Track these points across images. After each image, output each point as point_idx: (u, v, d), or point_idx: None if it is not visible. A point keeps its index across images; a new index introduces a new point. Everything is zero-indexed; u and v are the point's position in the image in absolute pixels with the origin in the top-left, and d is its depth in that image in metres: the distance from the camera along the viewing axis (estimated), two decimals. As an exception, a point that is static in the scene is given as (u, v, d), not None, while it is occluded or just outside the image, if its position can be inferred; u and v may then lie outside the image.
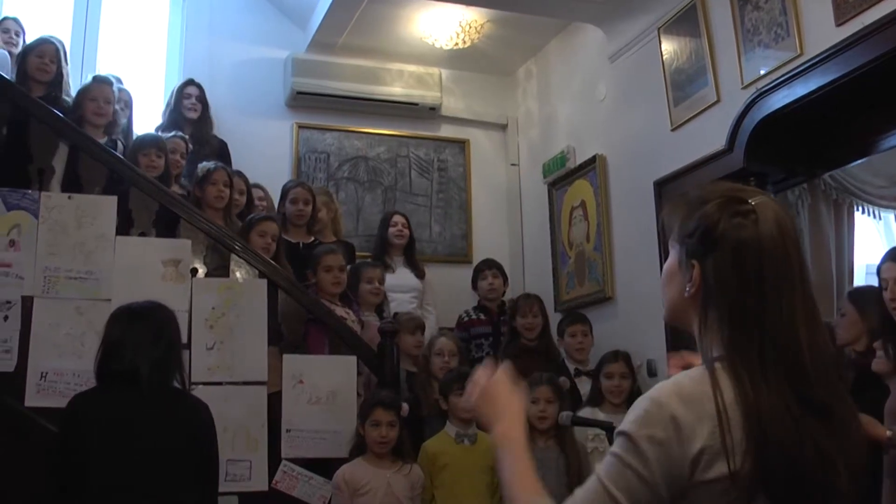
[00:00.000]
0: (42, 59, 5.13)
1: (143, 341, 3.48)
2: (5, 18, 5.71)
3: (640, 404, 1.51)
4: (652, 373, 5.29)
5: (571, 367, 5.40)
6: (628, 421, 1.49)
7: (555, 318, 6.01)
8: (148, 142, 5.18)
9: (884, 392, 3.64)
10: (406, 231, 6.11)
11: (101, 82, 5.16)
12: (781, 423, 1.43)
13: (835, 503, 1.48)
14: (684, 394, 1.47)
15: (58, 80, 5.21)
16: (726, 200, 1.58)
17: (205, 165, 5.22)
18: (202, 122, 6.03)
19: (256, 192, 5.84)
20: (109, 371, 3.45)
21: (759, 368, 1.47)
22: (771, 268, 1.52)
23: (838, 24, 4.21)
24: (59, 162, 4.69)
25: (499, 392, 1.83)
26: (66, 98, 5.20)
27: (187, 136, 5.66)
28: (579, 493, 1.51)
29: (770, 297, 1.51)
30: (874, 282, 5.61)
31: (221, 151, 5.98)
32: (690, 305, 1.61)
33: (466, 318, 5.93)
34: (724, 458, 1.42)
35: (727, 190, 1.62)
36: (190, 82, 6.08)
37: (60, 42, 5.38)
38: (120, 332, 3.50)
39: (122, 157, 4.92)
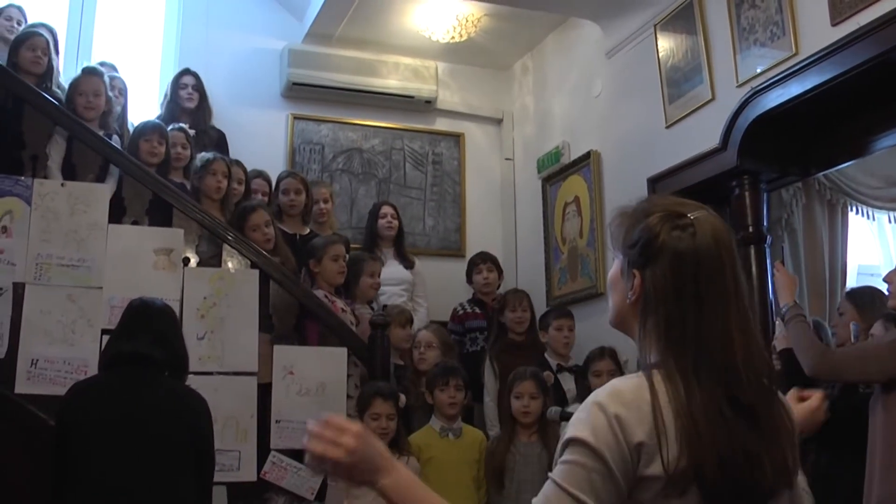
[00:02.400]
0: (35, 52, 5.06)
1: (165, 331, 3.55)
2: (8, 6, 5.67)
3: (583, 412, 1.57)
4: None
5: (553, 362, 5.33)
6: (576, 428, 1.55)
7: (546, 314, 6.01)
8: (150, 128, 5.17)
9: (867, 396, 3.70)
10: (395, 222, 6.11)
11: (90, 74, 5.10)
12: (713, 424, 1.50)
13: (762, 499, 1.56)
14: (623, 398, 1.54)
15: (49, 71, 5.16)
16: (667, 214, 1.66)
17: (203, 156, 5.21)
18: (200, 111, 6.01)
19: (260, 183, 5.83)
20: (117, 353, 3.46)
21: (693, 373, 1.55)
22: (707, 278, 1.60)
23: (834, 24, 4.20)
24: (58, 148, 4.69)
25: (369, 444, 1.62)
26: (57, 90, 5.15)
27: (186, 126, 5.64)
28: (538, 502, 1.54)
29: (706, 306, 1.59)
30: (867, 282, 5.66)
31: (220, 142, 5.97)
32: (631, 312, 1.70)
33: (462, 312, 5.92)
34: (659, 455, 1.49)
35: (669, 204, 1.70)
36: (186, 72, 6.06)
37: (52, 31, 5.33)
38: (140, 320, 3.54)
39: (115, 145, 4.92)
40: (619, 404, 1.53)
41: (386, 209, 6.15)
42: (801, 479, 1.86)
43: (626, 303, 1.69)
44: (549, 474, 1.56)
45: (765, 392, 1.59)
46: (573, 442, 1.54)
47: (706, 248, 1.61)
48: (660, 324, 1.60)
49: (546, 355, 5.41)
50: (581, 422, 1.55)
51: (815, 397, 2.20)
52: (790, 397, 2.10)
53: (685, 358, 1.56)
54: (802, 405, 2.15)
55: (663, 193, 4.71)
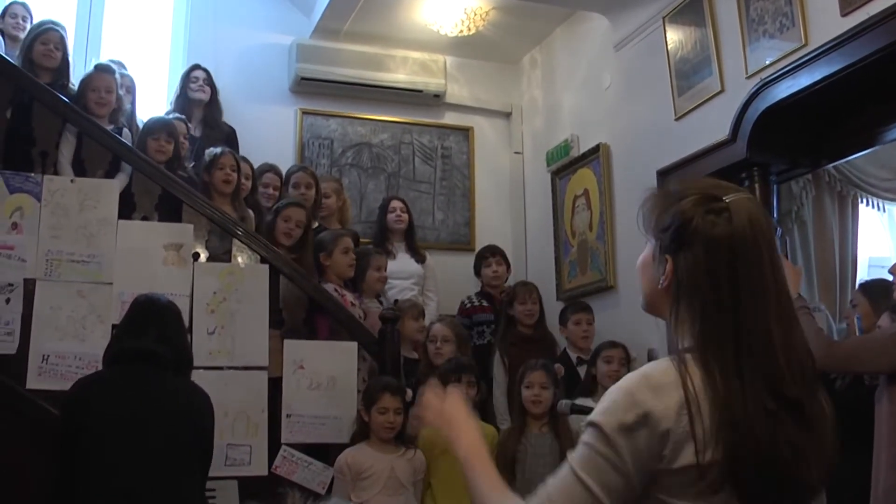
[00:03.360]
0: (47, 45, 5.11)
1: (170, 328, 3.57)
2: (13, 3, 5.69)
3: (609, 395, 1.53)
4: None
5: (573, 355, 5.40)
6: (598, 411, 1.52)
7: (556, 307, 6.02)
8: (158, 126, 5.16)
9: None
10: (405, 216, 6.12)
11: (102, 71, 5.13)
12: (756, 420, 1.45)
13: (806, 497, 1.52)
14: (653, 383, 1.50)
15: (64, 67, 5.20)
16: (702, 197, 1.60)
17: (211, 151, 5.24)
18: (212, 105, 6.03)
19: (272, 177, 5.84)
20: (122, 350, 3.47)
21: (734, 364, 1.48)
22: (743, 266, 1.54)
23: (843, 15, 4.18)
24: (68, 145, 4.70)
25: (455, 411, 1.86)
26: (72, 86, 5.20)
27: (185, 118, 5.66)
28: (552, 481, 1.54)
29: (742, 295, 1.52)
30: (878, 274, 5.65)
31: (230, 138, 5.98)
32: (664, 297, 1.64)
33: (469, 305, 5.93)
34: (691, 446, 1.44)
35: (704, 187, 1.64)
36: (196, 67, 6.08)
37: (63, 27, 5.36)
38: (145, 316, 3.56)
39: (126, 142, 4.93)
40: (647, 390, 1.49)
41: (395, 203, 6.16)
42: None
43: (657, 287, 1.65)
44: (568, 453, 1.55)
45: (808, 385, 1.53)
46: (592, 425, 1.51)
47: (742, 233, 1.55)
48: (695, 311, 1.55)
49: (566, 349, 5.44)
50: (604, 405, 1.52)
51: None
52: None
53: (723, 349, 1.50)
54: None
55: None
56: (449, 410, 1.86)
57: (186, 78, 6.02)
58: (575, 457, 1.52)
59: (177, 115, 5.61)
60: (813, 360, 1.57)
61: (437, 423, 1.87)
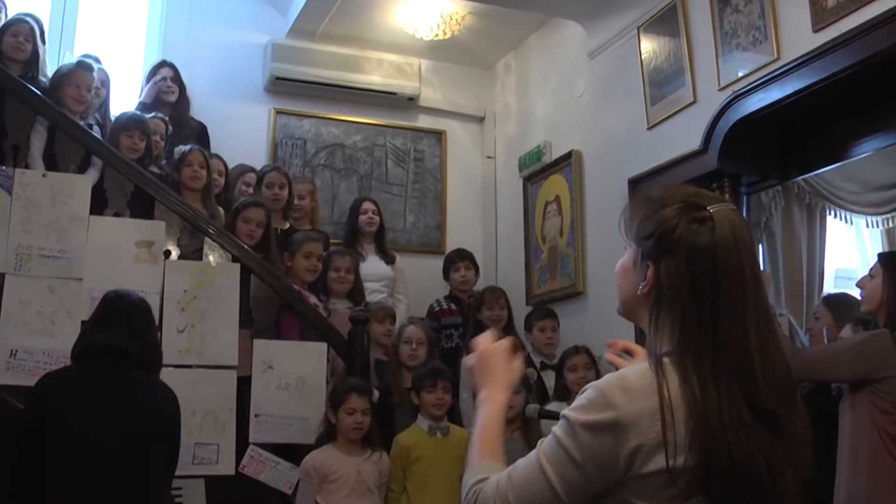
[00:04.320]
0: (17, 38, 5.05)
1: (140, 325, 3.56)
2: (-17, -1, 5.64)
3: (586, 392, 1.54)
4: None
5: (537, 360, 5.42)
6: (572, 406, 1.54)
7: (526, 312, 6.03)
8: (132, 122, 5.13)
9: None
10: (376, 218, 6.11)
11: (85, 69, 5.09)
12: (731, 431, 1.45)
13: None
14: (627, 386, 1.51)
15: (34, 59, 5.14)
16: (685, 206, 1.61)
17: (180, 148, 5.22)
18: (180, 104, 6.00)
19: (253, 177, 5.84)
20: (91, 345, 3.45)
21: (712, 374, 1.49)
22: (724, 276, 1.55)
23: (815, 31, 4.24)
24: (40, 138, 4.68)
25: (496, 359, 1.88)
26: (43, 78, 5.14)
27: (167, 118, 5.63)
28: (521, 463, 1.59)
29: (722, 305, 1.54)
30: (845, 285, 5.71)
31: (201, 134, 5.96)
32: (642, 303, 1.65)
33: (437, 308, 5.95)
34: (663, 452, 1.45)
35: (687, 195, 1.65)
36: (163, 64, 6.04)
37: (37, 20, 5.28)
38: (115, 313, 3.55)
39: (98, 137, 4.91)
40: (622, 392, 1.49)
41: (367, 205, 6.15)
42: None
43: (635, 293, 1.66)
44: (541, 442, 1.58)
45: (784, 398, 1.54)
46: (563, 417, 1.54)
47: (724, 243, 1.56)
48: (675, 319, 1.56)
49: (530, 354, 5.45)
50: (579, 402, 1.53)
51: None
52: (613, 350, 2.11)
53: (702, 357, 1.51)
54: None
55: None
56: (490, 355, 1.89)
57: (153, 75, 5.98)
58: (545, 445, 1.56)
59: (158, 115, 5.57)
60: (790, 373, 1.59)
61: (475, 364, 1.90)
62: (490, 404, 1.79)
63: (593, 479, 1.49)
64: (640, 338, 4.56)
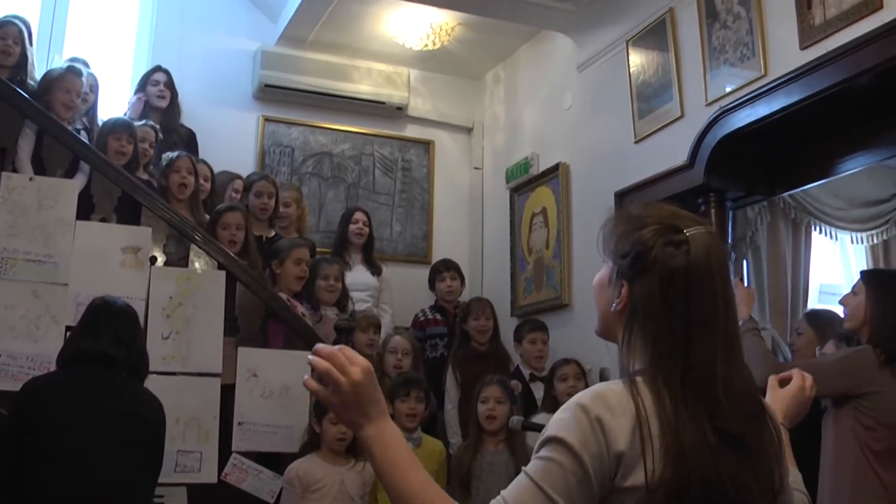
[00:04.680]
0: (5, 40, 5.04)
1: (127, 332, 3.55)
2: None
3: (565, 411, 1.53)
4: (605, 381, 5.30)
5: (527, 372, 5.42)
6: (557, 427, 1.51)
7: (511, 323, 6.05)
8: (120, 126, 5.12)
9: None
10: (366, 229, 6.10)
11: (75, 74, 5.09)
12: (699, 452, 1.46)
13: None
14: (607, 401, 1.50)
15: (22, 62, 5.13)
16: (662, 227, 1.62)
17: (167, 155, 5.22)
18: (171, 110, 6.00)
19: (241, 184, 5.84)
20: (77, 351, 3.44)
21: (681, 393, 1.50)
22: (697, 300, 1.56)
23: (802, 48, 4.26)
24: (29, 141, 4.67)
25: (366, 388, 1.57)
26: (31, 82, 5.13)
27: (157, 126, 5.63)
28: (509, 495, 1.50)
29: (693, 328, 1.54)
30: (829, 301, 5.74)
31: (189, 141, 5.96)
32: (616, 320, 1.66)
33: (423, 318, 5.96)
34: (642, 466, 1.45)
35: (665, 216, 1.65)
36: (157, 69, 6.04)
37: (25, 22, 5.27)
38: (102, 319, 3.54)
39: (86, 141, 4.90)
40: (604, 408, 1.49)
41: (359, 215, 6.13)
42: (797, 477, 1.86)
43: (610, 310, 1.67)
44: (523, 468, 1.52)
45: (750, 422, 1.55)
46: (553, 440, 1.50)
47: (698, 266, 1.57)
48: (647, 338, 1.57)
49: (520, 366, 5.47)
50: (563, 421, 1.51)
51: (795, 378, 2.16)
52: (770, 387, 2.10)
53: (672, 377, 1.52)
54: (786, 390, 2.12)
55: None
56: (362, 391, 1.56)
57: (147, 80, 5.98)
58: (535, 472, 1.49)
59: (148, 122, 5.57)
60: (757, 397, 1.60)
61: (342, 401, 1.56)
62: (394, 449, 1.56)
63: (595, 487, 1.47)
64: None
